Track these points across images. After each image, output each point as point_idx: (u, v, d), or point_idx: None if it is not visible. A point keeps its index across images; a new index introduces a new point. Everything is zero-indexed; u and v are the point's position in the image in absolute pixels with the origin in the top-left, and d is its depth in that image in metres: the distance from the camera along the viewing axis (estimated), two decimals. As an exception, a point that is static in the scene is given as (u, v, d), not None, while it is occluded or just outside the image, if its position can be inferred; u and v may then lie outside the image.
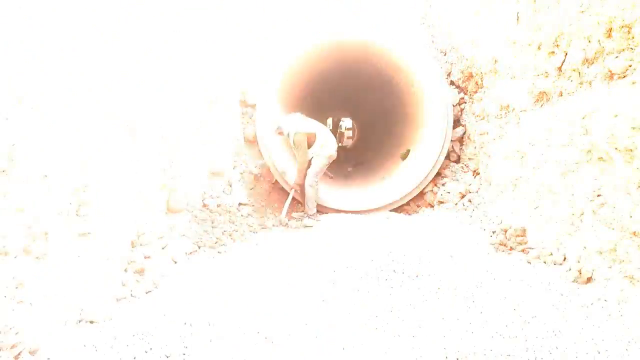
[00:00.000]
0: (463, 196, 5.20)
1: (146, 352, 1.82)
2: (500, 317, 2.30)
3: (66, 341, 1.80)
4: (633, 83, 2.58)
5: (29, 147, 1.78)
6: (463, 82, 5.89)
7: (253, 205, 4.92)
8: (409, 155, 6.52)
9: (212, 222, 3.88)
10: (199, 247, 3.46)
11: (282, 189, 5.39)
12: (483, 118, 5.12)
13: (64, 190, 2.01)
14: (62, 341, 1.79)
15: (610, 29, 2.84)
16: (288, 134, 4.98)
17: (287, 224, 4.62)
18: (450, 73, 6.18)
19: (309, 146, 4.93)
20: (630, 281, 2.50)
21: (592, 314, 2.36)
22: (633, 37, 2.68)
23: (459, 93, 5.97)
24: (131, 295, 2.42)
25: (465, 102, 5.88)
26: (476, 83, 5.47)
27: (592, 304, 2.50)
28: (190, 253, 3.30)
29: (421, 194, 5.58)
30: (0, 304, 1.57)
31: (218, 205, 4.27)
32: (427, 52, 5.66)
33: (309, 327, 2.14)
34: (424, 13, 7.79)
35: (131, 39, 2.89)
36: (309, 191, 4.97)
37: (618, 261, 2.66)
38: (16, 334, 1.64)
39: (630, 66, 2.66)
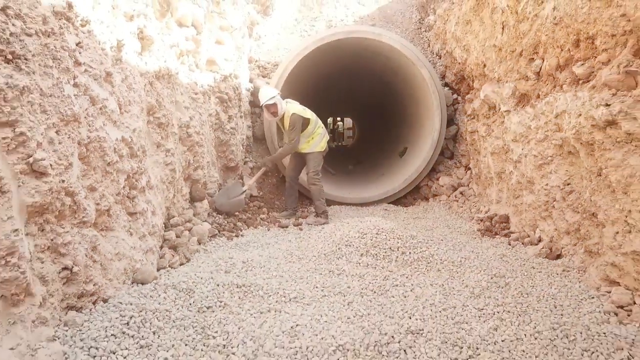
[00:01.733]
0: (455, 189, 5.66)
1: (189, 306, 2.27)
2: (478, 283, 2.76)
3: (127, 293, 2.26)
4: (593, 87, 3.03)
5: (100, 141, 2.23)
6: (456, 84, 6.35)
7: (263, 198, 5.38)
8: (406, 153, 6.99)
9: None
10: (219, 232, 3.91)
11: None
12: (473, 117, 5.58)
13: (120, 177, 2.47)
14: (125, 293, 2.25)
15: (578, 40, 3.29)
16: (283, 117, 4.77)
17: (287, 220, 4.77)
18: (444, 75, 6.65)
19: (304, 128, 4.86)
20: (589, 254, 2.95)
21: (555, 280, 2.82)
22: (595, 48, 3.13)
23: (452, 94, 6.43)
24: (169, 265, 2.88)
25: (459, 103, 6.34)
26: (468, 85, 5.93)
27: (557, 273, 2.95)
28: (213, 236, 3.76)
29: (417, 187, 6.04)
30: (83, 261, 2.03)
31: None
32: (423, 57, 6.10)
33: (321, 292, 2.60)
34: (421, 18, 8.27)
35: (165, 53, 3.35)
36: (313, 190, 4.96)
37: (581, 239, 3.12)
38: (94, 285, 2.09)
39: (592, 72, 3.12)
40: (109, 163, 2.33)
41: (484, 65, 5.10)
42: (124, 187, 2.52)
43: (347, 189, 6.53)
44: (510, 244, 3.78)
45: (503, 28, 4.52)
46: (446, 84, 6.57)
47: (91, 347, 1.75)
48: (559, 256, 3.29)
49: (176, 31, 3.59)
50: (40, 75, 1.78)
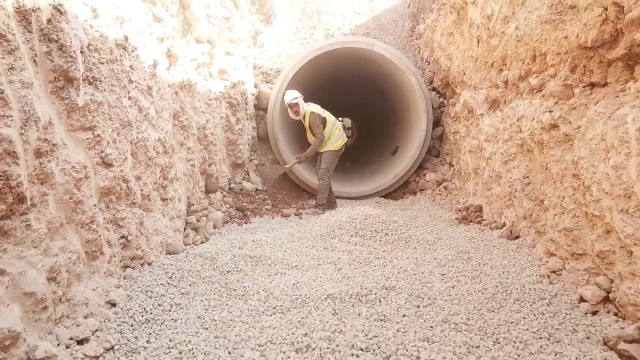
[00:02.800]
0: (439, 184, 6.29)
1: (214, 269, 2.90)
2: (445, 257, 3.38)
3: (165, 259, 2.89)
4: (543, 96, 3.66)
5: (145, 140, 2.86)
6: (442, 89, 6.98)
7: (267, 191, 6.01)
8: (397, 151, 7.62)
9: (238, 200, 4.98)
10: (230, 218, 4.54)
11: (290, 178, 6.48)
12: (456, 120, 6.21)
13: (157, 170, 3.10)
14: (163, 259, 2.88)
15: (535, 55, 3.91)
16: (304, 116, 5.40)
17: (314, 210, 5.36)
18: (432, 80, 7.28)
19: (324, 127, 5.43)
20: (538, 234, 3.58)
21: (509, 254, 3.44)
22: (546, 63, 3.75)
23: (439, 98, 7.06)
24: (192, 243, 3.51)
25: (445, 106, 6.97)
26: (452, 90, 6.56)
27: (512, 250, 3.58)
28: (225, 222, 4.39)
29: (406, 183, 6.67)
30: (134, 232, 2.65)
31: (241, 189, 5.36)
32: (411, 64, 6.72)
33: (317, 262, 3.23)
34: (413, 26, 8.89)
35: (184, 67, 3.97)
36: (320, 184, 5.51)
37: (533, 222, 3.74)
38: (142, 251, 2.72)
39: (543, 84, 3.74)
40: (149, 158, 2.96)
41: (464, 73, 5.72)
42: (159, 178, 3.15)
43: (344, 184, 7.15)
44: (480, 229, 4.41)
45: (478, 41, 5.15)
46: (434, 89, 7.20)
47: (147, 291, 2.39)
48: (517, 237, 3.92)
49: (194, 47, 4.22)
50: (109, 92, 2.41)
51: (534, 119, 3.75)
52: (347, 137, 19.45)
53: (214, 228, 4.10)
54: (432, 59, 7.28)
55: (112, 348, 1.92)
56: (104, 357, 1.85)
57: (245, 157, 5.80)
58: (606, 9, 2.70)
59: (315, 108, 5.46)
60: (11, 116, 1.71)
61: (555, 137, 3.38)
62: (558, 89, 3.39)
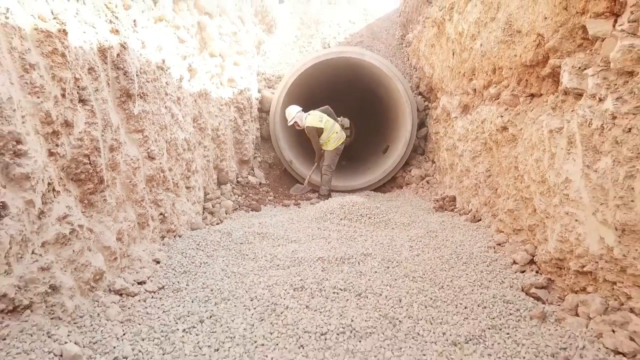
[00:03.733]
0: (423, 179, 7.07)
1: (230, 241, 3.67)
2: (416, 234, 4.16)
3: (191, 233, 3.67)
4: (499, 103, 4.43)
5: (175, 140, 3.63)
6: (427, 93, 7.76)
7: (269, 185, 6.78)
8: (388, 150, 8.38)
9: (245, 192, 5.76)
10: (239, 206, 5.32)
11: (290, 174, 7.25)
12: (437, 121, 6.98)
13: (183, 163, 3.87)
14: (190, 233, 3.67)
15: (494, 69, 4.68)
16: (305, 128, 6.48)
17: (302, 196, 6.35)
18: (419, 85, 8.06)
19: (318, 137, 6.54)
20: (493, 216, 4.36)
21: (469, 232, 4.22)
22: (502, 75, 4.52)
23: (424, 102, 7.84)
24: (210, 224, 4.29)
25: (429, 109, 7.74)
26: (434, 94, 7.33)
27: (472, 229, 4.35)
28: (235, 210, 5.17)
29: (393, 178, 7.44)
30: (169, 211, 3.42)
31: (247, 183, 6.14)
32: (398, 72, 7.49)
33: (311, 237, 4.00)
34: (403, 35, 9.65)
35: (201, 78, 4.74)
36: (323, 178, 6.54)
37: (490, 207, 4.52)
38: (174, 226, 3.50)
39: (499, 93, 4.51)
40: (178, 154, 3.74)
41: (443, 81, 6.50)
42: (184, 170, 3.93)
43: (340, 179, 7.91)
44: (451, 215, 5.18)
45: (453, 54, 5.92)
46: (420, 93, 7.98)
47: (181, 253, 3.17)
48: (478, 220, 4.69)
49: (209, 61, 4.99)
50: (152, 104, 3.19)
51: (492, 122, 4.53)
52: (347, 136, 20.31)
53: (226, 214, 4.88)
54: (418, 66, 8.06)
55: (162, 287, 2.70)
56: (158, 293, 2.63)
57: (250, 155, 6.58)
58: (538, 35, 3.48)
59: (312, 121, 6.41)
60: (97, 123, 2.49)
61: (505, 137, 4.16)
62: (508, 98, 4.17)
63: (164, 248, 3.23)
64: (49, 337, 1.90)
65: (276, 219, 4.76)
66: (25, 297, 1.91)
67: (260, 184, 6.55)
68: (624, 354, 2.01)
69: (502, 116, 4.19)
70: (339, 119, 18.45)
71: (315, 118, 6.42)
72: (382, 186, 7.45)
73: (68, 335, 1.96)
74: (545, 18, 3.27)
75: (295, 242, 3.84)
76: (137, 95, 2.96)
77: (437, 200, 5.91)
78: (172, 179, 3.61)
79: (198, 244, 3.40)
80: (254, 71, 7.36)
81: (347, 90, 9.27)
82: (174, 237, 3.49)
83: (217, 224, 4.39)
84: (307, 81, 7.64)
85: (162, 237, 3.37)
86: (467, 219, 4.80)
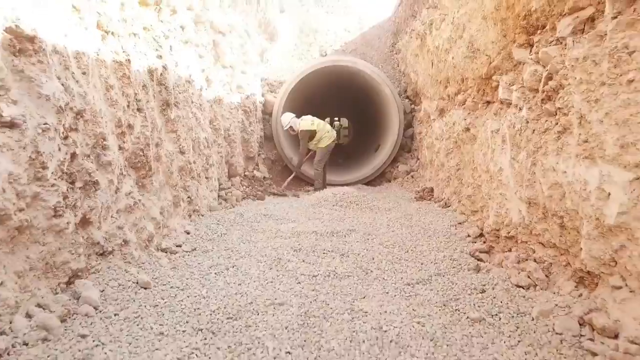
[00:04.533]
0: (408, 173, 7.96)
1: (242, 219, 4.55)
2: (394, 217, 5.04)
3: (212, 213, 4.56)
4: (464, 108, 5.31)
5: (199, 138, 4.51)
6: (413, 97, 8.65)
7: (272, 179, 7.67)
8: (379, 149, 9.27)
9: (251, 184, 6.65)
10: (246, 196, 6.21)
11: (290, 169, 8.12)
12: (421, 122, 7.87)
13: (204, 158, 4.76)
14: (210, 214, 4.56)
15: (463, 79, 5.56)
16: (299, 132, 7.35)
17: (285, 194, 7.15)
18: (407, 90, 8.95)
19: (311, 139, 7.42)
20: (458, 202, 5.24)
21: (439, 215, 5.10)
22: (468, 85, 5.40)
23: (411, 105, 8.72)
24: (224, 208, 5.17)
25: (415, 111, 8.62)
26: (419, 98, 8.22)
27: (442, 213, 5.24)
28: (243, 198, 6.05)
29: (383, 173, 8.33)
30: (194, 195, 4.31)
31: (253, 176, 7.03)
32: (386, 78, 8.37)
33: (307, 218, 4.88)
34: (394, 42, 10.53)
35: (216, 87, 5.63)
36: (315, 173, 7.45)
37: (457, 195, 5.40)
38: (198, 207, 4.39)
39: (465, 99, 5.38)
40: (200, 150, 4.63)
41: (425, 87, 7.38)
42: (204, 163, 4.82)
43: (336, 174, 8.80)
44: (428, 204, 6.07)
45: (432, 64, 6.80)
46: (407, 97, 8.87)
47: (206, 226, 4.07)
48: (448, 206, 5.57)
49: (221, 71, 5.87)
50: (183, 110, 4.08)
51: (459, 124, 5.42)
52: (345, 135, 21.12)
53: (236, 201, 5.76)
54: (406, 72, 8.95)
55: (194, 249, 3.58)
56: (192, 253, 3.52)
57: (255, 152, 7.47)
58: (487, 55, 4.36)
59: (305, 124, 7.28)
60: (147, 126, 3.38)
61: (468, 136, 5.04)
62: (471, 104, 5.05)
63: (191, 223, 4.12)
64: (126, 272, 2.79)
65: (279, 205, 5.65)
66: (109, 245, 2.80)
67: (264, 177, 7.44)
68: (522, 287, 2.90)
69: (465, 119, 5.09)
70: (338, 120, 19.41)
71: (308, 122, 7.30)
72: (373, 180, 8.33)
73: (137, 273, 2.84)
74: (492, 42, 4.15)
75: (295, 221, 4.73)
76: (173, 104, 3.84)
77: (418, 192, 6.79)
78: (196, 170, 4.50)
79: (218, 221, 4.30)
80: (258, 78, 8.24)
81: (342, 95, 10.16)
82: (198, 215, 4.38)
83: (230, 208, 5.27)
84: (306, 86, 8.52)
85: (190, 215, 4.26)
86: (439, 205, 5.69)
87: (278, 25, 10.02)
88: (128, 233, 3.00)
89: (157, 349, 1.99)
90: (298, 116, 7.47)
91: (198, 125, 4.58)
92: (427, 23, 6.96)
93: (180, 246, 3.56)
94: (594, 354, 2.04)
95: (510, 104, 3.64)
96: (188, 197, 4.22)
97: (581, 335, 2.21)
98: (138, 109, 3.27)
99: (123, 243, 2.93)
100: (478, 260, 3.70)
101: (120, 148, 3.06)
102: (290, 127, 7.34)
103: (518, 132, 3.39)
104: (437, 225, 4.66)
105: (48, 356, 1.89)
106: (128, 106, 3.11)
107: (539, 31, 3.23)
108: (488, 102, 4.76)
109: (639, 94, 2.13)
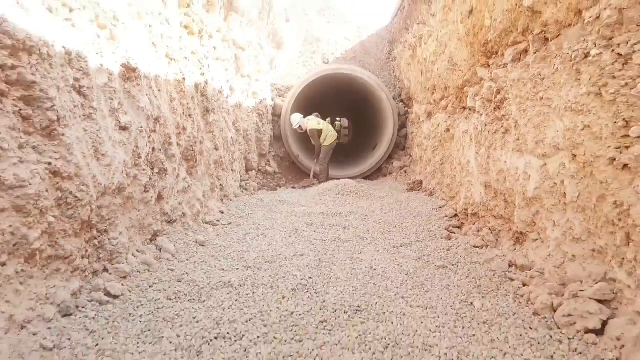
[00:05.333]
0: (402, 169, 8.98)
1: (262, 204, 5.58)
2: (387, 203, 6.07)
3: (237, 198, 5.58)
4: (446, 112, 6.33)
5: (227, 138, 5.53)
6: (407, 101, 9.67)
7: (281, 173, 8.70)
8: (376, 147, 10.29)
9: (264, 177, 7.68)
10: (261, 187, 7.23)
11: (297, 165, 9.15)
12: (413, 124, 8.89)
13: (231, 153, 5.79)
14: (236, 199, 5.59)
15: (446, 87, 6.58)
16: (306, 130, 8.42)
17: (313, 183, 8.20)
18: (401, 94, 9.97)
19: (319, 137, 8.49)
20: (441, 191, 6.26)
21: (424, 202, 6.12)
22: (449, 92, 6.42)
23: (404, 107, 9.75)
24: (246, 194, 6.20)
25: (408, 114, 9.65)
26: (411, 102, 9.24)
27: (427, 200, 6.26)
28: (259, 189, 7.08)
29: (379, 168, 9.36)
30: (225, 183, 5.32)
31: (265, 171, 8.06)
32: (382, 84, 9.39)
33: (315, 204, 5.91)
34: (390, 50, 11.54)
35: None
36: (320, 169, 8.46)
37: (441, 185, 6.42)
38: (227, 193, 5.41)
39: (447, 105, 6.40)
40: (228, 147, 5.65)
41: (416, 92, 8.40)
42: (230, 158, 5.85)
43: (338, 170, 9.82)
44: (417, 194, 7.09)
45: (422, 73, 7.82)
46: (401, 100, 9.89)
47: (235, 207, 5.11)
48: (433, 195, 6.59)
49: (241, 80, 6.90)
50: (217, 115, 5.11)
51: (442, 125, 6.44)
52: (345, 135, 22.15)
53: (254, 190, 6.79)
54: (400, 78, 9.97)
55: (230, 223, 4.61)
56: (228, 226, 4.54)
57: (266, 150, 8.50)
58: (461, 70, 5.37)
59: (313, 124, 8.30)
60: (195, 128, 4.41)
61: (449, 136, 6.07)
62: (451, 109, 6.07)
63: (223, 205, 5.15)
64: (186, 235, 3.82)
65: (290, 194, 6.68)
66: (174, 215, 3.83)
67: (274, 172, 8.47)
68: (478, 247, 3.92)
69: (446, 121, 6.11)
70: (339, 120, 20.48)
71: (315, 122, 8.33)
72: (371, 175, 9.36)
73: (194, 235, 3.87)
74: (465, 60, 5.17)
75: (305, 206, 5.76)
76: (211, 110, 4.87)
77: (409, 184, 7.81)
78: (225, 163, 5.52)
79: (244, 204, 5.33)
80: (269, 84, 9.27)
81: (343, 99, 11.18)
82: (228, 200, 5.40)
83: (250, 195, 6.30)
84: (311, 91, 9.55)
85: (222, 199, 5.28)
86: (426, 194, 6.72)
87: (284, 34, 11.03)
88: (185, 208, 4.03)
89: (223, 276, 3.02)
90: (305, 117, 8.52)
91: (226, 127, 5.60)
92: (417, 37, 7.98)
93: (219, 221, 4.59)
94: (512, 280, 3.06)
95: (475, 110, 4.67)
96: (220, 184, 5.25)
97: (508, 271, 3.23)
98: (189, 115, 4.30)
99: (182, 215, 3.96)
100: (450, 232, 4.72)
101: (178, 145, 4.09)
102: (300, 126, 8.34)
103: (479, 133, 4.42)
104: (421, 209, 5.69)
105: (155, 278, 2.91)
106: (183, 113, 4.13)
107: (493, 56, 4.26)
108: (463, 108, 5.78)
109: (546, 107, 3.16)
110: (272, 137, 9.24)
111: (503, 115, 3.88)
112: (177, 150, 4.02)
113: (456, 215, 5.20)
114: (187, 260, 3.35)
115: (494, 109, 4.08)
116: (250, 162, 7.40)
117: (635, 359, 1.77)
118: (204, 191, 4.63)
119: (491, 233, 4.03)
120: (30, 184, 2.11)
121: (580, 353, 2.00)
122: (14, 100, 2.09)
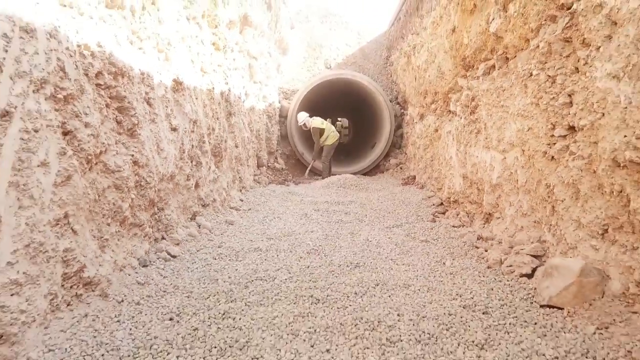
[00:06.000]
0: (397, 165, 9.83)
1: (275, 194, 6.43)
2: (382, 194, 6.93)
3: (254, 189, 6.44)
4: (436, 115, 7.18)
5: (244, 137, 6.39)
6: (403, 103, 10.53)
7: (288, 170, 9.56)
8: (375, 146, 11.14)
9: (273, 173, 8.54)
10: (271, 182, 8.09)
11: (302, 162, 10.00)
12: (407, 124, 9.74)
13: (247, 151, 6.64)
14: (252, 190, 6.45)
15: (436, 92, 7.43)
16: (311, 128, 9.33)
17: (309, 180, 9.09)
18: (397, 97, 10.83)
19: (320, 136, 9.40)
20: (430, 183, 7.11)
21: (415, 193, 6.98)
22: (438, 97, 7.27)
23: (400, 109, 10.60)
24: (259, 187, 7.06)
25: (404, 115, 10.50)
26: (407, 105, 10.09)
27: (417, 192, 7.12)
28: (269, 183, 7.94)
29: (377, 165, 10.21)
30: (244, 177, 6.18)
31: (274, 167, 8.92)
32: (380, 88, 10.26)
33: (320, 195, 6.77)
34: (388, 55, 12.38)
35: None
36: (323, 166, 9.36)
37: (430, 179, 7.27)
38: (245, 184, 6.27)
39: (436, 108, 7.25)
40: (245, 145, 6.52)
41: (410, 96, 9.25)
42: (247, 154, 6.71)
43: (339, 167, 10.67)
44: (409, 187, 7.95)
45: (415, 79, 8.68)
46: (398, 103, 10.75)
47: (252, 197, 5.98)
48: (423, 187, 7.44)
49: (254, 86, 7.75)
50: (237, 117, 5.97)
51: (432, 126, 7.29)
52: (345, 135, 23.01)
53: (265, 184, 7.65)
54: (397, 82, 10.82)
55: (250, 209, 5.47)
56: (248, 210, 5.40)
57: (274, 148, 9.36)
58: (446, 79, 6.23)
59: (316, 123, 9.17)
60: (221, 128, 5.27)
61: (437, 136, 6.92)
62: (439, 112, 6.93)
63: (242, 195, 6.01)
64: (217, 216, 4.68)
65: (298, 187, 7.54)
66: (207, 200, 4.69)
67: (282, 168, 9.33)
68: (455, 227, 4.77)
69: (435, 123, 6.97)
70: (340, 120, 21.41)
71: (318, 121, 9.19)
72: (369, 171, 10.22)
73: (224, 217, 4.73)
74: (449, 70, 6.02)
75: (312, 196, 6.62)
76: (233, 113, 5.73)
77: (404, 179, 8.67)
78: (243, 159, 6.38)
79: (259, 194, 6.19)
80: (276, 87, 10.13)
81: (344, 101, 12.04)
82: (245, 190, 6.26)
83: (263, 187, 7.17)
84: (314, 94, 10.41)
85: (240, 190, 6.14)
86: (417, 187, 7.57)
87: (289, 41, 11.88)
88: (215, 195, 4.89)
89: (252, 244, 3.88)
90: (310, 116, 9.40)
91: (244, 127, 6.46)
92: (411, 46, 8.83)
93: (240, 207, 5.45)
94: (477, 248, 3.91)
95: (456, 114, 5.52)
96: (239, 177, 6.10)
97: (476, 243, 4.08)
98: (216, 118, 5.15)
99: (213, 200, 4.82)
100: (435, 217, 5.57)
101: (208, 142, 4.94)
102: (304, 123, 9.21)
103: (459, 133, 5.28)
104: (412, 199, 6.54)
105: (200, 245, 3.77)
106: (212, 116, 4.99)
107: (470, 69, 5.11)
108: (448, 111, 6.64)
109: (505, 113, 4.01)
110: (279, 137, 10.10)
111: (476, 119, 4.74)
112: (208, 147, 4.88)
113: (442, 203, 6.05)
114: (221, 234, 4.21)
115: (470, 113, 4.94)
116: (261, 158, 8.26)
117: (542, 285, 2.62)
118: (227, 182, 5.49)
119: (467, 215, 4.89)
120: (123, 169, 2.96)
121: (512, 287, 2.85)
122: (113, 110, 2.95)
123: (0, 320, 1.84)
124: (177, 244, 3.68)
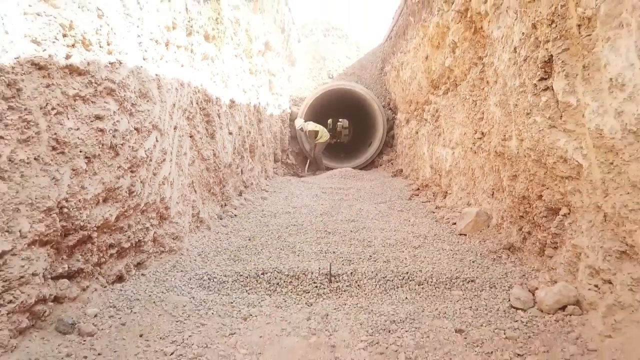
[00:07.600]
0: (389, 161, 11.75)
1: (291, 182, 8.33)
2: (375, 184, 8.85)
3: (272, 179, 8.36)
4: (416, 120, 9.09)
5: (264, 139, 8.29)
6: (394, 109, 12.44)
7: (297, 165, 11.49)
8: (371, 145, 13.06)
9: (287, 167, 10.47)
10: (285, 174, 10.01)
11: (307, 159, 11.90)
12: (397, 127, 11.65)
13: (267, 149, 8.56)
14: (266, 183, 8.37)
15: (417, 102, 9.36)
16: (307, 131, 11.28)
17: (306, 175, 11.02)
18: (390, 103, 12.75)
19: (315, 136, 11.31)
20: (414, 175, 9.01)
21: (400, 182, 8.89)
22: (418, 106, 9.19)
23: (392, 113, 12.52)
24: (278, 176, 8.97)
25: (395, 119, 12.41)
26: (397, 110, 12.00)
27: (401, 182, 9.02)
28: (284, 175, 9.85)
29: (372, 161, 12.14)
30: (267, 168, 8.07)
31: (287, 163, 10.85)
32: (374, 96, 12.18)
33: (326, 183, 8.68)
34: (383, 67, 14.28)
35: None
36: (318, 161, 11.35)
37: (414, 170, 9.17)
38: (269, 174, 8.18)
39: (418, 114, 9.16)
40: (267, 144, 8.44)
41: (399, 104, 11.16)
42: (269, 151, 8.63)
43: (339, 163, 12.60)
44: (397, 178, 9.85)
45: (403, 89, 10.60)
46: (390, 109, 12.67)
47: (274, 183, 7.89)
48: (407, 178, 9.34)
49: (272, 97, 9.67)
50: (264, 123, 7.89)
51: (414, 129, 9.22)
52: (345, 135, 24.86)
53: (281, 176, 9.56)
54: (389, 90, 12.74)
55: (275, 191, 7.39)
56: (272, 193, 7.31)
57: (286, 147, 11.29)
58: (422, 94, 8.16)
59: (311, 126, 11.15)
60: (256, 132, 7.19)
61: (417, 137, 8.85)
62: (418, 118, 8.85)
63: (267, 182, 7.92)
64: (254, 195, 6.61)
65: (308, 177, 9.46)
66: (247, 183, 6.62)
67: (292, 163, 11.26)
68: (425, 202, 6.68)
69: (416, 127, 8.90)
70: (340, 121, 23.53)
71: (312, 125, 11.24)
72: (366, 166, 12.13)
73: (260, 195, 6.66)
74: (425, 86, 7.94)
75: (319, 184, 8.54)
76: (261, 120, 7.64)
77: (393, 172, 10.57)
78: (266, 155, 8.29)
79: (279, 182, 8.10)
80: (288, 96, 12.06)
81: (344, 107, 13.95)
82: (269, 179, 8.16)
83: (280, 177, 9.08)
84: (319, 102, 12.33)
85: (266, 178, 8.04)
86: (403, 178, 9.48)
87: (297, 53, 13.79)
88: (252, 180, 6.81)
89: (283, 209, 5.79)
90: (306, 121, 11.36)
91: (267, 130, 8.36)
92: (400, 62, 10.74)
93: (267, 190, 7.37)
94: (434, 213, 5.82)
95: (427, 120, 7.43)
96: (265, 169, 8.01)
97: (434, 210, 5.98)
98: (251, 124, 7.07)
99: (251, 184, 6.74)
100: (412, 196, 7.47)
101: (247, 142, 6.86)
102: (301, 127, 11.16)
103: (429, 135, 7.19)
104: (397, 186, 8.46)
105: (249, 210, 5.70)
106: (249, 123, 6.91)
107: (436, 89, 7.02)
108: (423, 119, 8.55)
109: (453, 122, 5.92)
110: (289, 137, 12.01)
111: (438, 125, 6.65)
112: (247, 146, 6.79)
113: (418, 188, 7.95)
114: (260, 205, 6.14)
115: (435, 120, 6.85)
116: (277, 155, 10.18)
117: (458, 223, 4.53)
118: (258, 171, 7.40)
119: (433, 195, 6.81)
120: (210, 158, 4.88)
121: (445, 228, 4.77)
122: (203, 123, 4.86)
123: (175, 230, 3.76)
124: (235, 209, 5.60)
